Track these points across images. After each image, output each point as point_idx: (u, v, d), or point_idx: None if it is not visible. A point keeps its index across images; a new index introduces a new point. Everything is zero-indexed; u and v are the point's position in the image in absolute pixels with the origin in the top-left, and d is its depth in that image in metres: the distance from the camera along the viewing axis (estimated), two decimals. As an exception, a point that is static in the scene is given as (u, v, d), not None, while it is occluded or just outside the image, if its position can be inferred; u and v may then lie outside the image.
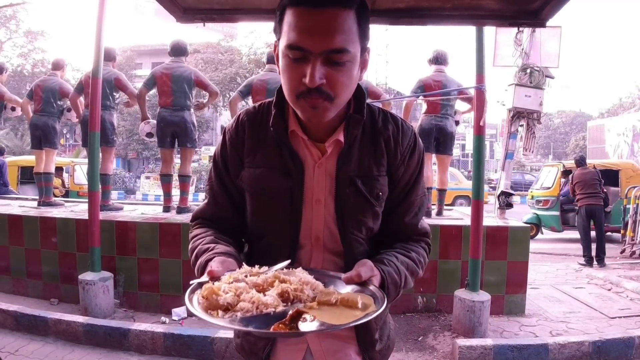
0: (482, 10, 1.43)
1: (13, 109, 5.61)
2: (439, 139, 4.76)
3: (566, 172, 9.62)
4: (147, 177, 17.66)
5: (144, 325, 3.38)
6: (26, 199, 6.13)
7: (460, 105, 5.08)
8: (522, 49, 4.73)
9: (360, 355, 1.07)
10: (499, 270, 3.92)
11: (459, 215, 4.74)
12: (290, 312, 0.74)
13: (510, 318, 3.88)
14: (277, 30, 0.92)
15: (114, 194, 9.15)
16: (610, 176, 9.46)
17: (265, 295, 0.77)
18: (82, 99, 4.92)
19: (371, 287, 0.85)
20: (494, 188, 4.83)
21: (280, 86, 0.98)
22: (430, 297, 3.96)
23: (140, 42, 31.28)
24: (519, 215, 7.45)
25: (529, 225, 4.51)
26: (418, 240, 1.08)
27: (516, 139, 4.88)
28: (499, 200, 4.79)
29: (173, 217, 4.31)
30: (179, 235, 3.89)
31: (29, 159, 8.88)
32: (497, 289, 3.87)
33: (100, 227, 3.74)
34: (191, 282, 0.84)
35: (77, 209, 4.84)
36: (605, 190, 7.30)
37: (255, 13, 1.51)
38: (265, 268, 0.86)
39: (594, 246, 6.51)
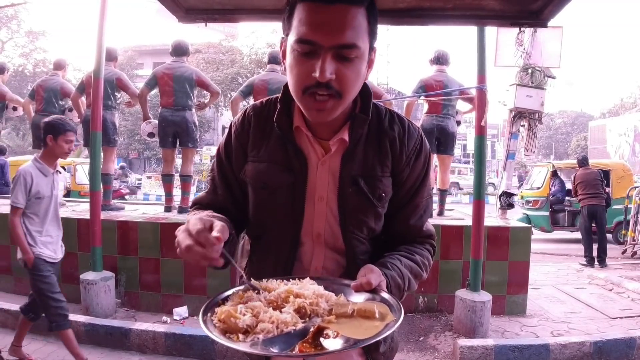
0: (483, 11, 1.43)
1: (15, 108, 5.63)
2: (440, 139, 4.76)
3: (555, 173, 9.63)
4: (149, 177, 17.68)
5: (145, 324, 3.38)
6: (28, 199, 6.13)
7: (461, 105, 5.08)
8: (524, 49, 4.73)
9: (363, 357, 1.07)
10: (500, 270, 3.92)
11: (460, 215, 4.73)
12: (312, 329, 0.73)
13: (511, 318, 3.88)
14: (286, 26, 0.91)
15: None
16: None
17: (282, 312, 0.75)
18: (83, 98, 4.93)
19: (383, 294, 0.84)
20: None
21: (287, 83, 0.98)
22: (431, 297, 3.96)
23: (141, 42, 31.35)
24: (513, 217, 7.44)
25: (530, 225, 4.51)
26: (423, 243, 1.08)
27: (517, 139, 4.88)
28: (500, 200, 4.79)
29: (174, 216, 4.32)
30: (180, 235, 3.88)
31: (30, 159, 8.89)
32: (498, 289, 3.87)
33: (101, 227, 3.75)
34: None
35: (79, 209, 4.85)
36: (607, 190, 7.30)
37: (257, 13, 1.51)
38: (272, 281, 0.85)
39: (595, 246, 6.50)
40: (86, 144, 4.64)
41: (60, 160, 2.87)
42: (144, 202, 11.35)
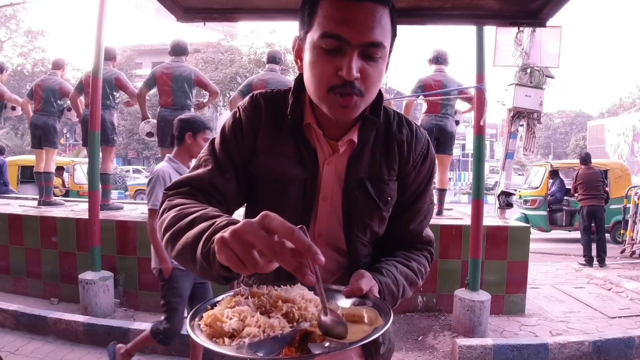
0: (482, 10, 1.43)
1: (13, 108, 5.62)
2: (439, 139, 4.77)
3: (554, 172, 9.65)
4: (146, 177, 17.67)
5: (144, 324, 3.37)
6: (26, 199, 6.14)
7: (460, 105, 5.08)
8: (523, 49, 4.74)
9: (362, 358, 1.07)
10: (499, 270, 3.92)
11: (459, 215, 4.74)
12: (299, 333, 0.72)
13: (510, 318, 3.88)
14: (306, 23, 0.88)
15: (114, 194, 9.15)
16: None
17: (270, 317, 0.74)
18: (82, 98, 4.92)
19: (373, 299, 0.83)
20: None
21: (299, 75, 0.95)
22: (430, 296, 3.96)
23: (140, 41, 31.39)
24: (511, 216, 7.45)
25: (529, 225, 4.52)
26: (421, 249, 1.06)
27: (516, 139, 4.89)
28: (499, 200, 4.80)
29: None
30: (179, 235, 3.88)
31: (29, 159, 8.88)
32: (497, 288, 3.87)
33: (100, 227, 3.74)
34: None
35: (77, 209, 4.85)
36: (607, 190, 7.31)
37: (256, 12, 1.51)
38: (263, 287, 0.85)
39: (593, 246, 6.51)
40: (85, 143, 4.63)
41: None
42: (143, 202, 11.34)
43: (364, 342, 0.70)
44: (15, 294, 4.18)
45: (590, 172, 6.80)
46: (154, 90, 4.85)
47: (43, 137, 5.14)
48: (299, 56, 0.93)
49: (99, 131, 3.83)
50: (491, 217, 4.67)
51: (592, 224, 6.69)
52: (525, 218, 9.16)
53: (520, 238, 3.99)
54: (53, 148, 5.27)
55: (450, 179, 22.42)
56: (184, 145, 2.55)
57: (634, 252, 7.23)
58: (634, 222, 7.31)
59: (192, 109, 4.75)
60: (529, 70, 4.67)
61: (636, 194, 7.37)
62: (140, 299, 3.98)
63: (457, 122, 5.00)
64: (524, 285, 4.01)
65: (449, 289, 3.80)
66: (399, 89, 27.49)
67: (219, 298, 0.81)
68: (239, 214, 1.15)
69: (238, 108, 1.02)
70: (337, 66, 0.83)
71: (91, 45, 3.69)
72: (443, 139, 4.77)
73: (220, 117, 28.38)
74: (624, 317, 4.03)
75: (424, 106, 4.85)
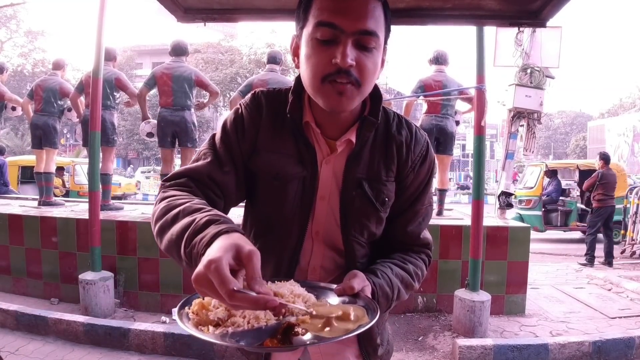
0: (482, 10, 1.43)
1: (14, 108, 5.62)
2: (440, 139, 4.76)
3: (553, 172, 9.66)
4: (147, 177, 17.67)
5: (144, 324, 3.38)
6: (26, 199, 6.14)
7: (460, 106, 5.08)
8: (523, 49, 4.74)
9: (359, 359, 1.07)
10: (499, 270, 3.92)
11: (459, 215, 4.74)
12: (283, 324, 0.73)
13: (510, 318, 3.88)
14: (301, 18, 0.90)
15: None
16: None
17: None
18: (82, 98, 4.92)
19: (364, 298, 0.84)
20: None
21: (299, 75, 0.96)
22: (430, 297, 3.96)
23: (140, 42, 31.36)
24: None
25: (529, 225, 4.52)
26: (418, 252, 1.06)
27: (516, 139, 4.89)
28: (499, 200, 4.80)
29: (173, 216, 4.31)
30: (179, 235, 3.88)
31: (29, 159, 8.89)
32: (497, 289, 3.87)
33: (100, 227, 3.74)
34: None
35: (78, 209, 4.85)
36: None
37: (256, 13, 1.51)
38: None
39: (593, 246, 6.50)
40: (85, 144, 4.63)
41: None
42: (143, 202, 11.34)
43: (343, 337, 0.71)
44: (16, 294, 4.19)
45: (611, 174, 6.78)
46: (154, 91, 4.85)
47: (43, 138, 5.14)
48: (296, 54, 0.94)
49: (99, 131, 3.83)
50: (491, 217, 4.67)
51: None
52: (520, 218, 9.18)
53: (520, 238, 3.99)
54: (53, 148, 5.27)
55: (450, 179, 22.43)
56: None
57: (634, 253, 7.23)
58: (634, 222, 7.31)
59: (193, 110, 4.75)
60: (529, 71, 4.67)
61: (637, 194, 7.37)
62: (141, 299, 3.98)
63: (458, 123, 4.99)
64: (524, 286, 4.01)
65: (449, 289, 3.80)
66: (399, 89, 27.50)
67: None
68: (239, 214, 1.15)
69: (240, 105, 1.03)
70: (331, 55, 0.84)
71: (91, 45, 3.69)
72: (443, 140, 4.77)
73: (221, 118, 28.38)
74: (624, 317, 4.02)
75: (424, 106, 4.85)
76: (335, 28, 0.83)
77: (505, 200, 4.74)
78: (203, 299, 0.75)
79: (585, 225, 9.32)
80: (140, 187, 16.93)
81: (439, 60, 4.84)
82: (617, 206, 8.26)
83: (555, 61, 4.82)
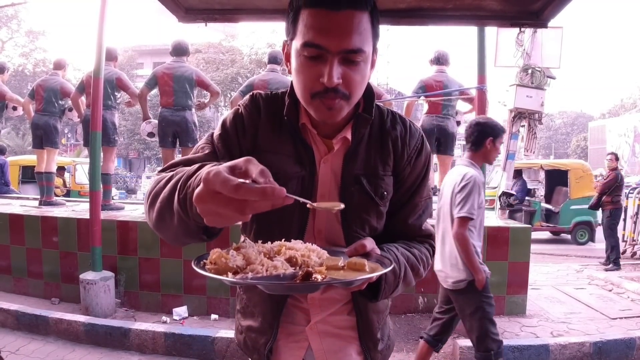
0: (483, 11, 1.43)
1: (14, 108, 5.63)
2: (440, 140, 4.76)
3: (515, 172, 9.61)
4: (148, 177, 17.70)
5: (144, 324, 3.38)
6: (27, 199, 6.15)
7: (461, 106, 5.08)
8: (524, 50, 4.73)
9: (361, 355, 1.08)
10: (500, 270, 3.92)
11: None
12: (300, 272, 0.74)
13: (511, 319, 3.88)
14: (290, 31, 0.92)
15: (115, 194, 9.15)
16: (560, 176, 9.43)
17: (273, 260, 0.77)
18: (83, 98, 4.93)
19: (376, 256, 0.85)
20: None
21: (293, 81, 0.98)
22: (431, 297, 3.95)
23: (141, 41, 31.35)
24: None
25: (529, 226, 4.50)
26: (422, 242, 1.08)
27: (517, 140, 4.88)
28: (500, 200, 4.79)
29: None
30: (180, 235, 3.89)
31: (30, 159, 8.89)
32: (498, 289, 3.87)
33: (101, 227, 3.75)
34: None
35: (78, 209, 4.85)
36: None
37: (257, 13, 1.52)
38: (269, 243, 0.86)
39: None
40: (86, 143, 4.64)
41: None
42: (143, 201, 11.35)
43: (368, 277, 0.74)
44: (16, 294, 4.19)
45: (621, 175, 6.75)
46: (155, 91, 4.86)
47: (44, 137, 5.15)
48: (288, 60, 0.96)
49: (100, 131, 3.83)
50: (492, 218, 4.66)
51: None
52: None
53: (521, 239, 3.98)
54: (54, 148, 5.27)
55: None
56: (482, 150, 2.50)
57: (635, 253, 7.22)
58: (634, 223, 7.30)
59: (193, 110, 4.76)
60: (530, 71, 4.66)
61: (638, 194, 7.36)
62: (141, 299, 3.98)
63: (458, 123, 4.99)
64: (525, 286, 4.00)
65: (450, 289, 3.79)
66: (400, 90, 27.49)
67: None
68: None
69: (239, 105, 1.05)
70: (319, 73, 0.86)
71: (92, 45, 3.70)
72: (444, 140, 4.77)
73: (221, 118, 28.40)
74: (625, 318, 4.02)
75: (425, 107, 4.84)
76: (321, 49, 0.85)
77: (506, 200, 4.74)
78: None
79: (550, 225, 9.38)
80: (141, 187, 16.94)
81: (440, 60, 4.83)
82: (578, 207, 8.32)
83: (556, 61, 4.81)
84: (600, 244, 8.49)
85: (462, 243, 2.35)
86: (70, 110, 5.27)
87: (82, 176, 10.27)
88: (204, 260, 0.77)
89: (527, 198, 9.59)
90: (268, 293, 1.02)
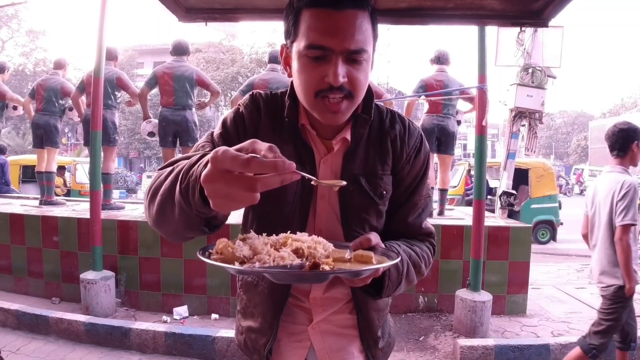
0: (484, 10, 1.43)
1: (15, 108, 5.63)
2: (441, 139, 4.76)
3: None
4: (149, 177, 17.72)
5: (145, 324, 3.38)
6: (28, 198, 6.14)
7: (462, 105, 5.07)
8: (524, 49, 4.72)
9: (363, 353, 1.08)
10: (500, 270, 3.92)
11: (461, 215, 4.73)
12: (308, 263, 0.74)
13: (511, 318, 3.88)
14: (291, 32, 0.92)
15: (115, 193, 9.15)
16: (520, 175, 9.38)
17: (279, 252, 0.77)
18: (83, 98, 4.93)
19: (381, 250, 0.85)
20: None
21: (292, 82, 0.98)
22: (431, 297, 3.96)
23: (142, 41, 31.32)
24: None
25: (530, 225, 4.50)
26: (422, 240, 1.08)
27: (518, 139, 4.88)
28: (500, 200, 4.79)
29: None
30: (181, 235, 3.88)
31: (30, 158, 8.89)
32: (498, 289, 3.87)
33: (101, 226, 3.75)
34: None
35: (79, 208, 4.85)
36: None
37: (257, 12, 1.51)
38: (273, 235, 0.86)
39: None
40: (86, 143, 4.64)
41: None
42: (143, 201, 11.34)
43: (373, 269, 0.74)
44: (17, 293, 4.19)
45: None
46: (155, 90, 4.85)
47: (44, 137, 5.15)
48: (287, 63, 0.97)
49: (100, 131, 3.83)
50: (492, 218, 4.66)
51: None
52: None
53: (521, 238, 3.98)
54: (54, 148, 5.27)
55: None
56: (629, 154, 2.52)
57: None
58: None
59: (194, 109, 4.76)
60: (530, 70, 4.66)
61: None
62: (142, 299, 3.98)
63: (459, 122, 4.99)
64: (526, 286, 4.00)
65: (450, 289, 3.79)
66: (401, 89, 27.47)
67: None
68: (239, 213, 1.15)
69: (239, 104, 1.05)
70: (323, 72, 0.86)
71: (92, 44, 3.69)
72: (445, 139, 4.77)
73: (222, 117, 28.40)
74: (625, 317, 4.01)
75: (426, 106, 4.84)
76: (325, 49, 0.85)
77: (507, 200, 4.73)
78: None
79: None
80: (142, 187, 16.95)
81: (440, 59, 4.83)
82: (538, 206, 8.29)
83: (557, 61, 4.81)
84: (562, 244, 8.54)
85: (626, 250, 2.40)
86: (71, 109, 5.27)
87: (82, 176, 10.26)
88: (210, 251, 0.77)
89: (489, 197, 9.55)
90: (268, 293, 1.03)
